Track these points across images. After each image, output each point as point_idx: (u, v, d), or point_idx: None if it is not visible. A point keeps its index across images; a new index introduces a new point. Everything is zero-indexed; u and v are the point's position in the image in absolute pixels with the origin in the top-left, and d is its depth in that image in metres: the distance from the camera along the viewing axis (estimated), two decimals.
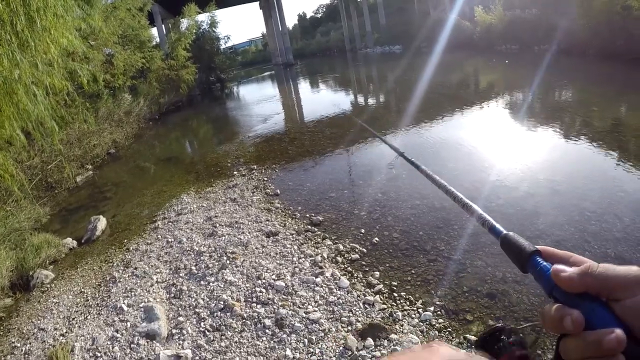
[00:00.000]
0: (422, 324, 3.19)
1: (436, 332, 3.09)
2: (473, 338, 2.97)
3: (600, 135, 6.84)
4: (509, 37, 22.00)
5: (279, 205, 6.10)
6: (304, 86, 25.82)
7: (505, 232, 0.60)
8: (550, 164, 5.98)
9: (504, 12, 23.07)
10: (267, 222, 5.48)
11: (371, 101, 15.85)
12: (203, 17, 30.04)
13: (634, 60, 12.00)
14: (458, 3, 30.53)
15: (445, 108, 10.62)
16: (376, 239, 4.61)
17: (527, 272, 0.53)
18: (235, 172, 8.16)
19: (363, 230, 4.86)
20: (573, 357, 0.44)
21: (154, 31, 30.52)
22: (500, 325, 0.66)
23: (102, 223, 6.69)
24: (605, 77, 11.90)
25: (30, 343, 4.00)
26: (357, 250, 4.45)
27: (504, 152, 6.84)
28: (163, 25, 35.01)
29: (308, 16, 77.97)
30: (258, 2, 55.25)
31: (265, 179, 7.42)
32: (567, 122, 8.06)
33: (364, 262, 4.22)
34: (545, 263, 0.51)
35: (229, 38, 34.85)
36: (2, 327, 4.45)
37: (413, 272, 3.92)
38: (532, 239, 4.03)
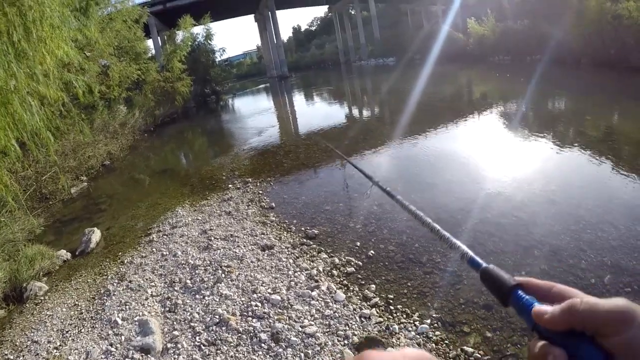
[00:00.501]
0: (419, 336, 3.19)
1: (433, 344, 3.09)
2: (470, 350, 2.97)
3: (594, 143, 6.92)
4: (501, 48, 22.25)
5: (274, 218, 6.10)
6: (298, 99, 25.93)
7: (485, 264, 0.59)
8: (545, 174, 6.03)
9: (495, 23, 23.34)
10: (263, 235, 5.47)
11: (365, 113, 15.95)
12: (198, 30, 30.27)
13: (628, 68, 12.14)
14: (451, 15, 30.91)
15: (439, 119, 10.71)
16: (372, 251, 4.61)
17: (508, 307, 0.53)
18: (230, 185, 8.15)
19: (359, 243, 4.86)
20: None
21: (150, 43, 30.69)
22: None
23: (96, 235, 6.65)
24: (598, 86, 12.06)
25: (23, 356, 3.96)
26: (352, 263, 4.44)
27: (499, 162, 6.89)
28: (159, 37, 35.20)
29: (303, 29, 78.55)
30: (253, 15, 55.66)
31: (261, 192, 7.42)
32: (561, 132, 8.15)
33: (359, 275, 4.21)
34: (526, 297, 0.50)
35: (224, 50, 35.06)
36: None
37: (409, 284, 3.92)
38: (528, 248, 4.08)
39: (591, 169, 6.01)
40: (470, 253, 0.64)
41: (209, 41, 31.13)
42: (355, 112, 16.70)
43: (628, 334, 0.41)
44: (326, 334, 3.31)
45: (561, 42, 16.32)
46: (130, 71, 18.96)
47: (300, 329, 3.39)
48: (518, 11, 21.85)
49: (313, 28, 75.94)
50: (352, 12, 56.40)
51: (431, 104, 13.98)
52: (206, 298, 4.15)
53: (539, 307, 0.47)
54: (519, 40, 20.36)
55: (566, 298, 0.47)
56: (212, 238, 5.62)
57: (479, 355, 2.93)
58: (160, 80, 23.52)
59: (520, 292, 0.51)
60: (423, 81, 20.43)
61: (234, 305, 3.92)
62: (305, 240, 5.17)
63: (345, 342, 3.20)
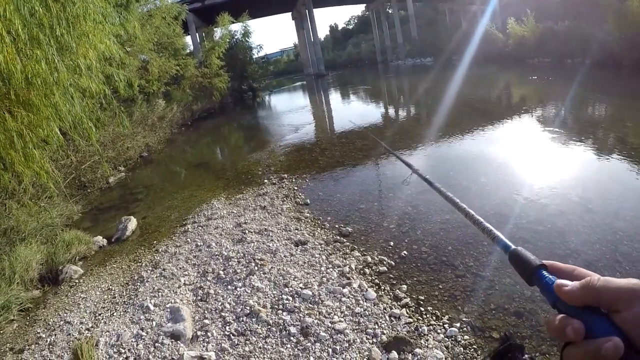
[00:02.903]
0: (447, 339, 3.13)
1: (461, 348, 3.03)
2: None
3: (634, 151, 6.67)
4: (541, 49, 21.71)
5: (308, 214, 6.11)
6: (335, 97, 25.92)
7: (513, 247, 0.62)
8: (583, 182, 5.85)
9: (536, 24, 22.80)
10: (297, 231, 5.48)
11: (402, 114, 15.81)
12: (236, 27, 30.58)
13: None
14: (489, 15, 30.34)
15: (477, 122, 10.53)
16: (405, 252, 4.57)
17: (533, 285, 0.56)
18: (265, 180, 8.21)
19: (392, 243, 4.81)
20: None
21: (188, 39, 31.23)
22: (513, 342, 0.70)
23: (132, 223, 6.80)
24: None
25: (55, 335, 4.08)
26: (385, 262, 4.41)
27: (536, 168, 6.71)
28: (197, 34, 35.75)
29: (340, 27, 78.47)
30: (290, 13, 55.95)
31: (296, 188, 7.45)
32: (600, 138, 7.90)
33: (391, 275, 4.17)
34: (550, 276, 0.53)
35: (261, 47, 35.55)
36: (28, 318, 4.55)
37: (441, 287, 3.86)
38: (563, 257, 3.96)
39: (630, 178, 5.80)
40: (501, 236, 0.68)
41: (246, 38, 31.41)
42: (392, 112, 16.58)
43: (638, 308, 0.45)
44: (355, 331, 3.29)
45: (602, 45, 15.83)
46: (169, 66, 19.33)
47: (329, 324, 3.38)
48: (559, 12, 21.31)
49: (350, 27, 75.80)
50: (390, 11, 56.04)
51: (468, 105, 13.75)
52: (238, 289, 4.18)
53: (561, 281, 0.51)
54: (559, 42, 19.82)
55: None
56: (247, 231, 5.67)
57: None
58: (198, 75, 23.91)
59: (544, 271, 0.54)
60: (461, 82, 20.17)
61: (265, 297, 3.94)
62: (338, 237, 5.15)
63: (374, 340, 3.17)
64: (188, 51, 27.04)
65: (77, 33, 6.13)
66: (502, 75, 21.64)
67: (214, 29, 29.09)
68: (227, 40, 27.78)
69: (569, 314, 0.48)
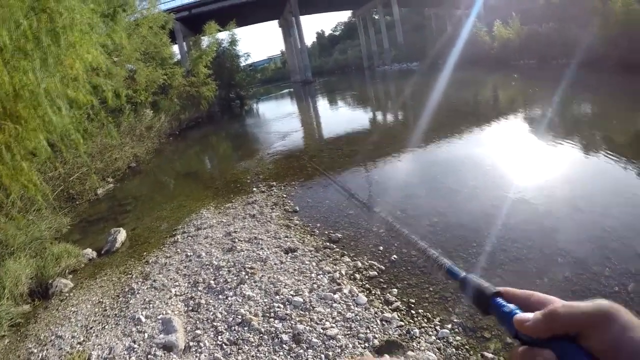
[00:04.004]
0: (439, 341, 3.16)
1: (453, 349, 3.06)
2: (490, 356, 2.93)
3: (620, 149, 6.78)
4: (527, 51, 21.97)
5: (297, 221, 6.12)
6: (322, 104, 26.00)
7: (464, 274, 0.59)
8: (570, 180, 5.94)
9: (521, 26, 23.07)
10: (286, 238, 5.49)
11: (389, 118, 15.91)
12: (223, 35, 30.61)
13: None
14: (474, 19, 30.61)
15: (463, 124, 10.62)
16: (395, 256, 4.59)
17: (488, 315, 0.53)
18: (254, 189, 8.21)
19: (381, 248, 4.84)
20: None
21: (175, 48, 31.18)
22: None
23: (121, 235, 6.77)
24: (625, 90, 11.81)
25: (47, 349, 4.04)
26: (375, 267, 4.43)
27: (523, 168, 6.79)
28: (184, 43, 35.72)
29: (326, 34, 78.75)
30: (277, 21, 56.09)
31: (285, 195, 7.46)
32: (586, 137, 8.01)
33: (382, 279, 4.20)
34: (507, 304, 0.50)
35: (248, 55, 35.35)
36: (19, 333, 4.51)
37: (431, 289, 3.89)
38: (552, 256, 4.02)
39: (617, 175, 5.89)
40: (449, 263, 0.63)
41: (233, 46, 31.47)
42: (379, 117, 16.68)
43: (609, 334, 0.42)
44: (347, 336, 3.31)
45: (587, 45, 16.07)
46: (157, 76, 19.29)
47: (321, 330, 3.40)
48: (544, 14, 21.58)
49: (337, 33, 76.08)
50: (376, 17, 56.36)
51: (454, 109, 13.87)
52: (229, 298, 4.18)
53: (521, 315, 0.47)
54: (544, 43, 20.09)
55: (545, 305, 0.47)
56: (236, 240, 5.67)
57: None
58: (186, 84, 23.87)
59: (500, 300, 0.51)
60: (446, 86, 20.32)
61: (257, 306, 3.94)
62: (328, 243, 5.17)
63: (366, 344, 3.19)
64: (175, 60, 27.03)
65: (65, 44, 6.13)
66: (486, 77, 21.85)
67: (201, 38, 29.11)
68: (214, 48, 27.80)
69: (535, 345, 0.45)
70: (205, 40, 28.74)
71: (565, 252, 4.09)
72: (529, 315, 0.47)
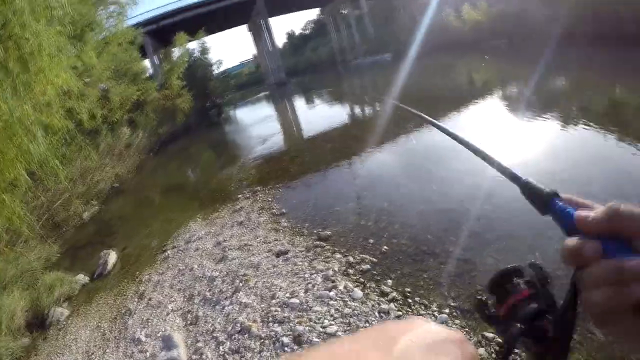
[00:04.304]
0: None
1: None
2: (491, 335, 2.97)
3: (596, 118, 6.89)
4: (497, 32, 22.11)
5: (286, 224, 6.13)
6: (298, 103, 25.96)
7: (525, 178, 0.60)
8: (551, 154, 6.00)
9: (488, 7, 23.22)
10: (276, 241, 5.51)
11: (366, 111, 15.98)
12: (194, 45, 30.44)
13: (621, 40, 12.05)
14: (439, 5, 30.67)
15: (439, 109, 10.67)
16: (385, 247, 4.63)
17: (546, 215, 0.54)
18: (239, 195, 8.19)
19: (372, 240, 4.88)
20: (592, 286, 0.43)
21: (147, 63, 30.91)
22: (516, 265, 0.62)
23: (112, 257, 6.74)
24: (595, 62, 12.00)
25: None
26: (367, 260, 4.46)
27: (504, 146, 6.84)
28: (155, 56, 35.42)
29: (297, 34, 78.56)
30: (247, 25, 55.81)
31: (270, 199, 7.46)
32: (563, 110, 8.11)
33: (375, 272, 4.23)
34: (564, 205, 0.51)
35: (221, 63, 35.21)
36: None
37: (425, 276, 3.93)
38: (542, 230, 4.06)
39: (597, 144, 5.97)
40: (512, 169, 0.66)
41: (205, 55, 31.33)
42: (356, 111, 16.69)
43: None
44: (347, 332, 3.34)
45: (553, 20, 16.24)
46: (130, 93, 19.12)
47: (321, 329, 3.42)
48: None
49: (307, 32, 75.90)
50: (345, 11, 56.36)
51: (426, 96, 13.91)
52: (226, 308, 4.19)
53: (582, 211, 0.47)
54: (512, 22, 20.24)
55: None
56: (227, 249, 5.67)
57: (500, 340, 2.93)
58: (160, 98, 23.70)
59: (557, 200, 0.52)
60: (417, 74, 20.45)
61: (254, 312, 3.96)
62: (318, 242, 5.19)
63: None
64: (148, 74, 26.81)
65: (34, 69, 6.06)
66: (457, 61, 22.00)
67: (172, 50, 28.92)
68: (186, 59, 27.65)
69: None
70: (176, 52, 28.57)
71: (551, 223, 4.12)
72: (591, 212, 0.46)
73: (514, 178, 0.64)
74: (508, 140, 7.21)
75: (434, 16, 30.12)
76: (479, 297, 0.63)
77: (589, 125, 6.76)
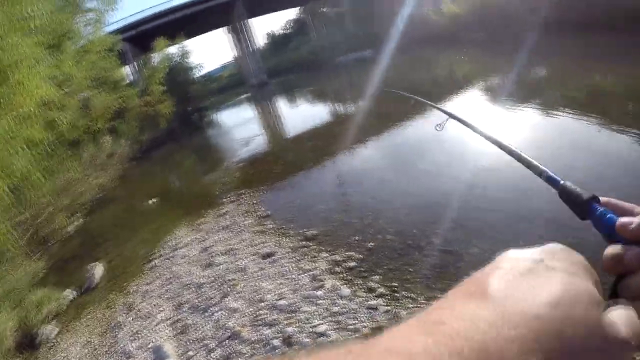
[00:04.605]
0: None
1: None
2: None
3: (578, 105, 6.97)
4: (476, 24, 22.22)
5: (271, 225, 6.11)
6: (280, 104, 25.89)
7: (562, 181, 0.59)
8: (535, 142, 6.05)
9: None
10: (262, 244, 5.50)
11: (348, 109, 16.00)
12: (174, 50, 30.20)
13: (596, 26, 12.20)
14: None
15: (418, 104, 10.69)
16: (371, 243, 4.65)
17: (585, 219, 0.52)
18: (224, 200, 8.16)
19: (357, 237, 4.89)
20: (636, 293, 0.41)
21: (127, 69, 30.64)
22: None
23: (99, 270, 6.68)
24: (573, 50, 12.12)
25: None
26: (353, 257, 4.47)
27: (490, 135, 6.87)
28: (135, 63, 35.09)
29: (278, 34, 78.29)
30: (226, 27, 55.48)
31: (255, 201, 7.44)
32: (544, 98, 8.19)
33: (362, 268, 4.24)
34: (605, 210, 0.49)
35: (201, 66, 34.97)
36: None
37: (411, 269, 3.95)
38: (526, 217, 4.09)
39: (579, 129, 6.07)
40: (549, 171, 0.64)
41: (185, 59, 31.12)
42: (338, 109, 16.73)
43: None
44: (336, 330, 3.35)
45: (528, 9, 16.41)
46: (111, 100, 18.91)
47: (310, 329, 3.43)
48: None
49: (287, 31, 75.68)
50: (324, 9, 56.31)
51: (408, 90, 13.96)
52: (215, 314, 4.18)
53: (625, 218, 0.46)
54: (492, 14, 20.38)
55: None
56: (213, 254, 5.66)
57: None
58: (142, 105, 23.48)
59: (597, 205, 0.51)
60: (401, 69, 20.52)
61: (243, 317, 3.95)
62: (304, 242, 5.19)
63: (356, 335, 3.23)
64: (128, 81, 26.58)
65: (13, 82, 5.99)
66: (437, 55, 22.13)
67: (151, 55, 28.66)
68: (166, 64, 27.41)
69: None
70: (156, 57, 28.31)
71: (539, 211, 4.14)
72: (634, 219, 0.45)
73: (549, 180, 0.63)
74: (490, 129, 7.24)
75: (414, 11, 30.20)
76: None
77: (567, 112, 6.83)
